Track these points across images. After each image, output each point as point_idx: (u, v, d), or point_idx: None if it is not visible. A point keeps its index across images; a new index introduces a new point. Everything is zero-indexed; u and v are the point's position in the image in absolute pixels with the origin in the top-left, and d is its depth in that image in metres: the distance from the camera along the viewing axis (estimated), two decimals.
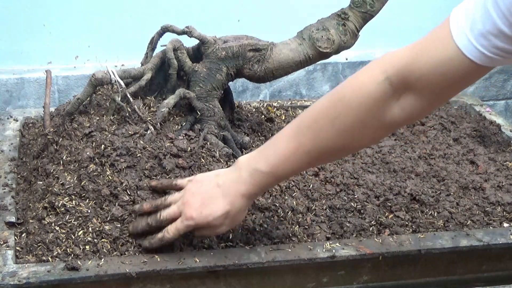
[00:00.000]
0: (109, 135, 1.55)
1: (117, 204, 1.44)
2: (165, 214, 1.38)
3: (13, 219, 1.47)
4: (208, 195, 1.35)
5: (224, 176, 1.37)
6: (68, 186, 1.47)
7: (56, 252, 1.37)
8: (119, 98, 1.60)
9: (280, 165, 1.31)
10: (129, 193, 1.45)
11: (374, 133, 1.30)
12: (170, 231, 1.36)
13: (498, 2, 1.08)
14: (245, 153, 1.68)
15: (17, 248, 1.40)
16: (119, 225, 1.42)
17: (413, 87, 1.21)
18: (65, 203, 1.45)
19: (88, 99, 1.64)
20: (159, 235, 1.37)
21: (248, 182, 1.33)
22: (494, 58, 1.12)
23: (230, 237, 1.44)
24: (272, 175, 1.32)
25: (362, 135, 1.28)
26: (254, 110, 2.00)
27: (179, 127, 1.65)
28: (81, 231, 1.41)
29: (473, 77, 1.20)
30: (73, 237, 1.40)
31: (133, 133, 1.56)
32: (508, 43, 1.10)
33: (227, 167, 1.56)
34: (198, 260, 1.36)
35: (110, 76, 1.61)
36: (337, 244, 1.45)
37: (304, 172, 1.67)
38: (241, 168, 1.34)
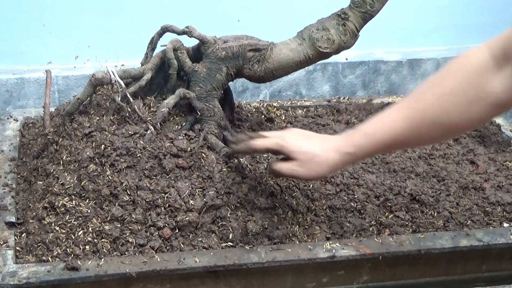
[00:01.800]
0: (109, 135, 1.55)
1: (117, 204, 1.44)
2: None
3: (13, 219, 1.47)
4: (306, 134, 1.43)
5: (327, 135, 1.44)
6: (68, 186, 1.47)
7: (56, 252, 1.37)
8: (119, 98, 1.60)
9: (379, 128, 1.32)
10: (129, 193, 1.46)
11: (475, 106, 1.27)
12: (258, 141, 1.42)
13: None
14: None
15: (17, 248, 1.40)
16: (119, 225, 1.42)
17: None
18: (65, 203, 1.45)
19: (88, 99, 1.64)
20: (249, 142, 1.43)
21: (346, 139, 1.36)
22: None
23: (230, 237, 1.44)
24: (369, 137, 1.33)
25: (460, 103, 1.27)
26: (254, 110, 2.00)
27: (179, 127, 1.65)
28: (81, 231, 1.41)
29: None
30: (73, 237, 1.40)
31: (133, 133, 1.56)
32: None
33: (227, 167, 1.56)
34: (198, 260, 1.36)
35: (110, 76, 1.61)
36: (337, 244, 1.45)
37: None
38: (348, 131, 1.39)
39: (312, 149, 1.37)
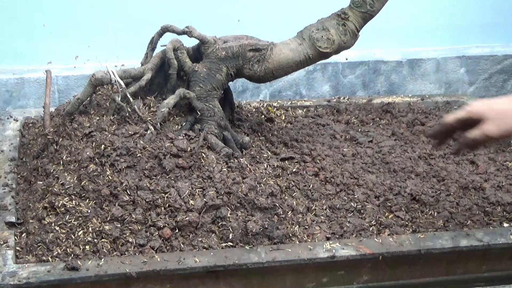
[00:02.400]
0: (109, 135, 1.55)
1: (117, 204, 1.44)
2: None
3: (13, 219, 1.47)
4: (496, 98, 1.43)
5: None
6: (68, 186, 1.47)
7: (56, 252, 1.37)
8: (119, 98, 1.60)
9: None
10: (129, 193, 1.46)
11: None
12: (448, 116, 1.44)
13: None
14: (245, 153, 1.69)
15: (17, 248, 1.40)
16: (119, 225, 1.42)
17: None
18: (65, 203, 1.45)
19: (88, 99, 1.64)
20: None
21: None
22: None
23: (230, 237, 1.44)
24: None
25: None
26: (254, 110, 2.00)
27: (179, 127, 1.65)
28: (81, 231, 1.41)
29: None
30: (73, 237, 1.40)
31: (133, 133, 1.56)
32: None
33: (227, 167, 1.56)
34: (198, 260, 1.36)
35: (110, 76, 1.61)
36: (337, 244, 1.45)
37: (304, 172, 1.67)
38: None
39: (499, 104, 1.39)
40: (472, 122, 1.41)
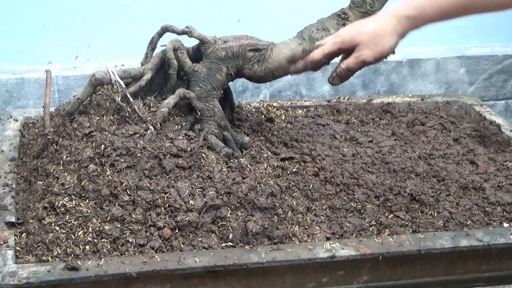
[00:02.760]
0: (109, 135, 1.55)
1: (117, 204, 1.44)
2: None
3: (13, 219, 1.47)
4: (359, 21, 1.39)
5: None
6: (68, 186, 1.47)
7: (56, 252, 1.37)
8: (119, 98, 1.60)
9: None
10: (129, 193, 1.46)
11: None
12: (314, 52, 1.37)
13: None
14: (245, 153, 1.69)
15: (17, 248, 1.40)
16: (119, 225, 1.42)
17: None
18: (65, 203, 1.45)
19: (88, 99, 1.64)
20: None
21: (404, 2, 1.28)
22: None
23: (230, 237, 1.44)
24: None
25: None
26: (254, 110, 2.00)
27: (179, 127, 1.65)
28: (81, 231, 1.41)
29: None
30: (73, 237, 1.40)
31: (133, 133, 1.56)
32: None
33: (227, 167, 1.56)
34: (198, 260, 1.36)
35: (110, 76, 1.61)
36: (337, 244, 1.45)
37: (304, 172, 1.67)
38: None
39: (368, 27, 1.31)
40: (344, 50, 1.34)
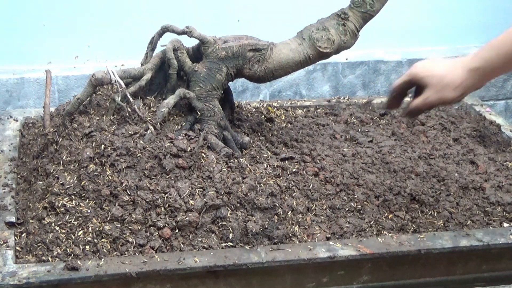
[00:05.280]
0: (109, 135, 1.55)
1: (117, 204, 1.44)
2: None
3: (13, 219, 1.47)
4: (435, 59, 1.44)
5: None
6: (68, 186, 1.47)
7: (56, 252, 1.37)
8: (119, 98, 1.60)
9: (505, 39, 1.31)
10: (129, 193, 1.46)
11: None
12: (394, 82, 1.47)
13: None
14: (245, 153, 1.68)
15: (17, 248, 1.40)
16: (119, 225, 1.42)
17: None
18: (65, 203, 1.45)
19: (88, 99, 1.64)
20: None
21: (473, 54, 1.35)
22: None
23: (230, 237, 1.44)
24: (496, 49, 1.32)
25: None
26: (254, 110, 2.00)
27: (179, 127, 1.65)
28: (81, 231, 1.41)
29: None
30: (73, 237, 1.40)
31: (133, 133, 1.56)
32: None
33: (227, 167, 1.56)
34: (198, 260, 1.36)
35: (110, 76, 1.61)
36: (337, 244, 1.45)
37: (304, 172, 1.67)
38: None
39: (439, 71, 1.38)
40: (415, 84, 1.44)
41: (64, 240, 1.40)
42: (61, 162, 1.54)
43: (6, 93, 2.90)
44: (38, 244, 1.39)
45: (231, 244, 1.44)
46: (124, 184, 1.46)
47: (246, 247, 1.43)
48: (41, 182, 1.54)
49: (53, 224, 1.43)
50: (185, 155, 1.53)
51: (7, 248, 1.38)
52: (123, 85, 1.61)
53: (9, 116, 1.96)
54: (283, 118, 2.01)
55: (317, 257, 1.41)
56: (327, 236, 1.50)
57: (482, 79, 1.40)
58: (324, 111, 2.10)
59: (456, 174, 1.75)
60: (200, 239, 1.43)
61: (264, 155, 1.69)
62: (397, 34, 3.36)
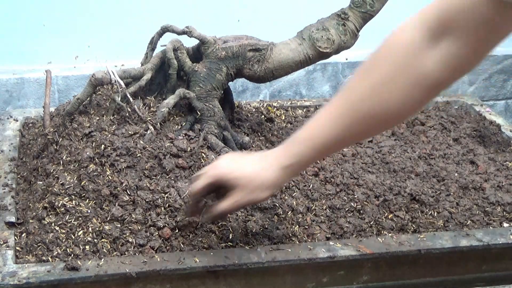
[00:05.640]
0: (109, 135, 1.55)
1: (117, 204, 1.44)
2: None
3: (13, 219, 1.47)
4: (240, 156, 1.32)
5: (263, 152, 1.33)
6: (68, 186, 1.47)
7: (56, 252, 1.37)
8: (119, 98, 1.60)
9: (315, 131, 1.22)
10: (129, 193, 1.46)
11: (409, 91, 1.15)
12: (195, 183, 1.29)
13: None
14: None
15: (17, 248, 1.40)
16: (119, 225, 1.42)
17: (450, 29, 1.10)
18: (65, 203, 1.45)
19: (88, 99, 1.64)
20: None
21: (284, 151, 1.25)
22: None
23: (230, 237, 1.44)
24: (308, 143, 1.22)
25: (397, 89, 1.14)
26: (254, 110, 2.00)
27: (179, 127, 1.65)
28: (81, 231, 1.41)
29: (508, 18, 1.06)
30: (73, 237, 1.40)
31: (133, 133, 1.56)
32: None
33: None
34: (198, 260, 1.36)
35: (110, 76, 1.61)
36: (337, 244, 1.45)
37: (304, 172, 1.67)
38: (282, 143, 1.28)
39: (249, 171, 1.26)
40: (221, 186, 1.29)
41: (64, 240, 1.40)
42: (61, 162, 1.54)
43: (6, 93, 2.90)
44: (38, 244, 1.39)
45: (231, 244, 1.44)
46: (124, 184, 1.46)
47: (246, 247, 1.43)
48: (41, 182, 1.54)
49: (53, 224, 1.43)
50: (185, 155, 1.53)
51: (7, 248, 1.38)
52: (123, 85, 1.61)
53: (9, 116, 1.96)
54: (283, 118, 2.01)
55: (317, 257, 1.41)
56: (327, 236, 1.50)
57: (296, 173, 1.33)
58: None
59: (456, 174, 1.75)
60: (200, 239, 1.43)
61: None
62: None
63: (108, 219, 1.42)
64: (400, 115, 1.24)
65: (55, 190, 1.47)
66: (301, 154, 1.24)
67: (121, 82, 1.61)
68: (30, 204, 1.52)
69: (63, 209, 1.44)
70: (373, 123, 1.21)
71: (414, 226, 1.56)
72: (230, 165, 1.28)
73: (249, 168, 1.27)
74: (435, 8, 1.13)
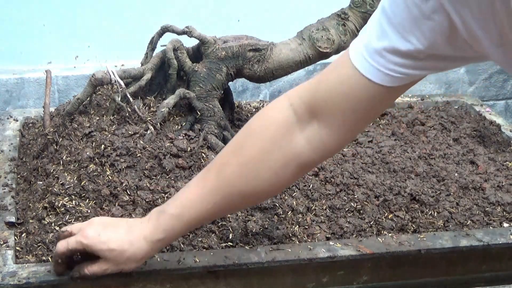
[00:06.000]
0: (109, 135, 1.55)
1: (117, 204, 1.44)
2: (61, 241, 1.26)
3: (13, 219, 1.47)
4: (108, 224, 1.26)
5: (134, 219, 1.33)
6: (68, 186, 1.47)
7: None
8: (119, 98, 1.60)
9: (186, 206, 1.22)
10: (129, 193, 1.46)
11: (282, 170, 1.19)
12: (59, 243, 1.26)
13: (391, 18, 1.04)
14: None
15: (17, 248, 1.40)
16: None
17: (317, 114, 1.15)
18: (65, 203, 1.45)
19: (88, 99, 1.64)
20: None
21: (153, 225, 1.23)
22: (395, 76, 1.07)
23: (230, 237, 1.44)
24: (178, 218, 1.22)
25: (267, 169, 1.18)
26: (254, 110, 2.00)
27: (179, 127, 1.65)
28: None
29: (378, 99, 1.11)
30: None
31: (133, 133, 1.56)
32: (404, 58, 1.05)
33: None
34: (198, 260, 1.36)
35: (110, 76, 1.61)
36: (337, 244, 1.45)
37: None
38: (151, 213, 1.26)
39: (117, 245, 1.23)
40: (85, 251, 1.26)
41: None
42: (61, 162, 1.54)
43: (6, 93, 2.90)
44: (38, 244, 1.39)
45: (231, 244, 1.44)
46: (124, 184, 1.46)
47: (246, 247, 1.43)
48: (41, 182, 1.54)
49: (53, 224, 1.43)
50: (185, 155, 1.53)
51: (7, 248, 1.38)
52: (123, 85, 1.61)
53: (9, 116, 1.96)
54: None
55: (317, 257, 1.41)
56: (327, 236, 1.50)
57: (166, 244, 1.33)
58: None
59: (456, 174, 1.75)
60: (200, 239, 1.43)
61: None
62: None
63: None
64: (269, 192, 1.29)
65: (55, 190, 1.47)
66: (171, 229, 1.24)
67: (121, 82, 1.61)
68: (30, 204, 1.52)
69: (63, 209, 1.44)
70: (242, 200, 1.25)
71: (414, 226, 1.56)
72: (100, 234, 1.24)
73: (119, 242, 1.23)
74: (301, 91, 1.18)
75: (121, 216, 1.42)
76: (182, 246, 1.41)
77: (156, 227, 1.23)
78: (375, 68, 1.07)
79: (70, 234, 1.26)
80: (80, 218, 1.42)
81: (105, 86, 1.68)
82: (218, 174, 1.21)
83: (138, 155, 1.51)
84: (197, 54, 1.73)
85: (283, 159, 1.18)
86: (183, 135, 1.59)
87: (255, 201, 1.38)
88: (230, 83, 1.75)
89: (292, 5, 3.07)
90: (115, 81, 1.61)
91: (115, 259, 1.24)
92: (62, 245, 1.26)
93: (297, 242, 1.47)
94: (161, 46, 1.73)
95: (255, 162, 1.19)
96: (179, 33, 1.71)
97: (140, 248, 1.24)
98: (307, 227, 1.52)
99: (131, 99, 1.60)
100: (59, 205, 1.44)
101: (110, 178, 1.47)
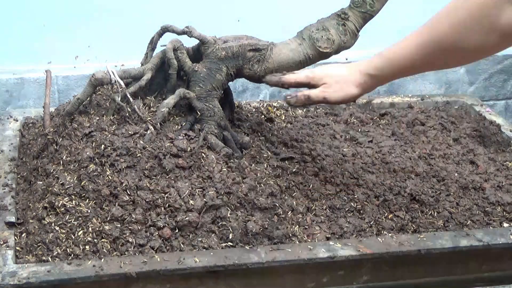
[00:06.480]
0: (109, 135, 1.55)
1: (117, 204, 1.44)
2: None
3: (13, 219, 1.47)
4: (332, 64, 1.57)
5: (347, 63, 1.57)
6: (68, 186, 1.47)
7: (56, 252, 1.37)
8: (119, 98, 1.60)
9: (397, 53, 1.42)
10: (129, 193, 1.46)
11: (489, 36, 1.27)
12: (288, 75, 1.58)
13: None
14: (245, 153, 1.68)
15: (17, 248, 1.40)
16: (119, 225, 1.42)
17: None
18: (65, 203, 1.45)
19: (88, 99, 1.64)
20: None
21: (368, 62, 1.48)
22: None
23: (230, 237, 1.44)
24: (389, 61, 1.43)
25: (474, 35, 1.28)
26: (254, 110, 2.00)
27: (179, 127, 1.65)
28: (81, 231, 1.41)
29: None
30: (73, 237, 1.40)
31: (133, 133, 1.56)
32: None
33: (227, 167, 1.56)
34: (198, 260, 1.36)
35: (110, 76, 1.61)
36: (337, 244, 1.45)
37: (304, 172, 1.67)
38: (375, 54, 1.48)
39: (338, 72, 1.50)
40: (313, 86, 1.52)
41: (64, 240, 1.40)
42: (61, 162, 1.54)
43: (6, 93, 2.90)
44: (38, 244, 1.39)
45: (231, 244, 1.44)
46: (124, 184, 1.46)
47: (246, 247, 1.43)
48: (41, 182, 1.54)
49: (53, 224, 1.43)
50: (185, 155, 1.53)
51: (7, 248, 1.38)
52: (123, 85, 1.61)
53: (9, 116, 1.96)
54: (283, 118, 2.01)
55: (317, 257, 1.41)
56: (327, 236, 1.50)
57: (375, 85, 1.51)
58: (324, 111, 2.10)
59: (456, 174, 1.75)
60: (200, 239, 1.43)
61: (264, 155, 1.69)
62: (397, 34, 3.36)
63: (108, 219, 1.42)
64: (478, 53, 1.38)
65: (55, 190, 1.47)
66: (380, 68, 1.45)
67: (121, 82, 1.61)
68: (30, 204, 1.52)
69: (63, 209, 1.44)
70: (451, 55, 1.38)
71: (414, 226, 1.56)
72: (324, 69, 1.53)
73: (339, 70, 1.52)
74: None
75: (121, 216, 1.42)
76: (182, 246, 1.41)
77: (370, 63, 1.48)
78: None
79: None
80: (80, 218, 1.42)
81: (105, 86, 1.67)
82: (430, 30, 1.36)
83: (138, 155, 1.51)
84: (197, 54, 1.72)
85: (490, 26, 1.25)
86: (183, 135, 1.59)
87: (462, 60, 1.48)
88: (230, 83, 1.75)
89: (292, 5, 3.07)
90: (115, 81, 1.61)
91: (335, 83, 1.49)
92: (290, 77, 1.56)
93: (297, 242, 1.47)
94: (161, 46, 1.73)
95: (464, 25, 1.28)
96: (179, 33, 1.71)
97: (356, 76, 1.49)
98: (307, 227, 1.52)
99: (131, 99, 1.60)
100: (59, 205, 1.44)
101: (110, 178, 1.47)
